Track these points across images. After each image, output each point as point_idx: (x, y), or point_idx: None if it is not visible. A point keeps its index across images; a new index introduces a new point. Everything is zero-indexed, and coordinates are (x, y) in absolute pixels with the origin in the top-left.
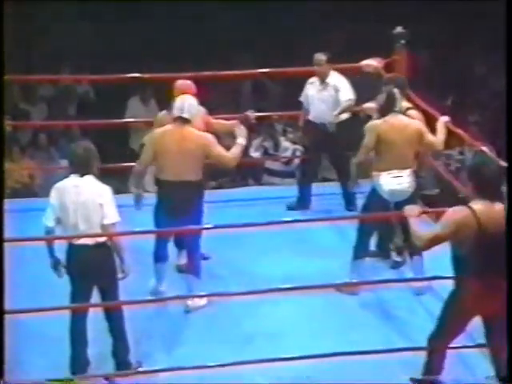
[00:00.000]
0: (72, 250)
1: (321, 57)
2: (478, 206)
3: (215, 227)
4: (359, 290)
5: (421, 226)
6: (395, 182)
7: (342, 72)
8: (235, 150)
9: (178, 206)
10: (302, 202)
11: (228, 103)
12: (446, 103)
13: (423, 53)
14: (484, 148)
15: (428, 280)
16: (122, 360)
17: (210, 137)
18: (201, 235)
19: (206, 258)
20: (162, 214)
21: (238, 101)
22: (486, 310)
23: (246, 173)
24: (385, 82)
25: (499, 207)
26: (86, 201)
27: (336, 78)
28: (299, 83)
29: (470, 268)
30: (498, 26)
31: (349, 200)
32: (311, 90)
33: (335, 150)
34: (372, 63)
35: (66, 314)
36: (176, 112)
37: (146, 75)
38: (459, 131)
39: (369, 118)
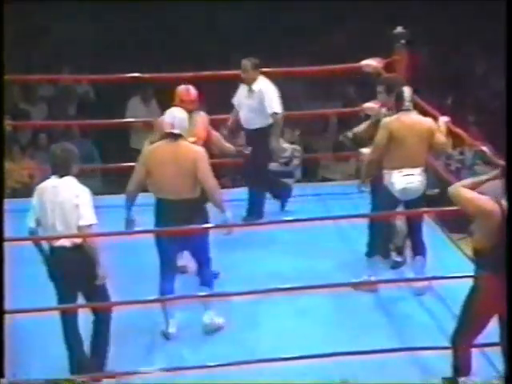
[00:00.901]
0: (52, 251)
1: (246, 63)
2: (505, 203)
3: (215, 227)
4: (376, 288)
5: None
6: (407, 180)
7: (343, 72)
8: (219, 196)
9: (179, 227)
10: (253, 209)
11: (228, 103)
12: (446, 103)
13: (423, 53)
14: (484, 148)
15: (428, 280)
16: (98, 363)
17: (202, 152)
18: (208, 246)
19: (215, 276)
20: (164, 236)
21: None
22: (503, 308)
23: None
24: (380, 81)
25: None
26: (62, 201)
27: (263, 86)
28: (300, 83)
29: (491, 264)
30: (498, 26)
31: (252, 208)
32: (241, 95)
33: (253, 158)
34: (372, 63)
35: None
36: (166, 127)
37: (146, 75)
38: (459, 131)
39: (368, 117)
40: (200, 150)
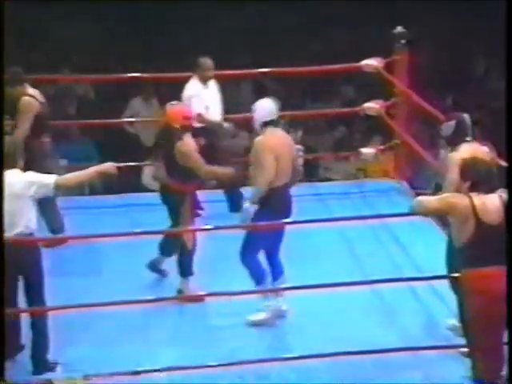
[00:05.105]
0: None
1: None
2: (475, 197)
3: (216, 228)
4: None
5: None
6: None
7: (343, 72)
8: None
9: (290, 209)
10: None
11: (228, 103)
12: (446, 103)
13: (423, 53)
14: (485, 147)
15: (428, 280)
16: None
17: None
18: None
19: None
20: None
21: (238, 101)
22: (498, 305)
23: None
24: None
25: (494, 199)
26: None
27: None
28: (300, 83)
29: (470, 260)
30: (498, 25)
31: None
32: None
33: None
34: (372, 63)
35: (66, 313)
36: (264, 116)
37: (146, 75)
38: None
39: (368, 117)
40: None
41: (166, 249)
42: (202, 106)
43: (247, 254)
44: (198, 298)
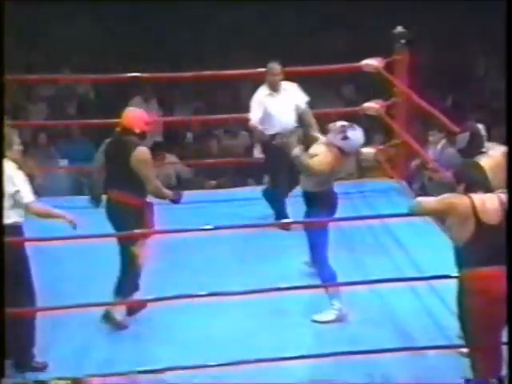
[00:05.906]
0: None
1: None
2: (475, 197)
3: (216, 228)
4: None
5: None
6: None
7: (343, 72)
8: None
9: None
10: None
11: (228, 103)
12: (446, 103)
13: (423, 53)
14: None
15: (428, 280)
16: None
17: None
18: None
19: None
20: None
21: (238, 101)
22: (492, 303)
23: (246, 173)
24: None
25: (494, 199)
26: None
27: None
28: (300, 83)
29: (470, 260)
30: (498, 25)
31: None
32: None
33: None
34: (372, 63)
35: (66, 313)
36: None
37: (146, 75)
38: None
39: (368, 117)
40: None
41: (122, 288)
42: (259, 112)
43: (319, 253)
44: (142, 304)
